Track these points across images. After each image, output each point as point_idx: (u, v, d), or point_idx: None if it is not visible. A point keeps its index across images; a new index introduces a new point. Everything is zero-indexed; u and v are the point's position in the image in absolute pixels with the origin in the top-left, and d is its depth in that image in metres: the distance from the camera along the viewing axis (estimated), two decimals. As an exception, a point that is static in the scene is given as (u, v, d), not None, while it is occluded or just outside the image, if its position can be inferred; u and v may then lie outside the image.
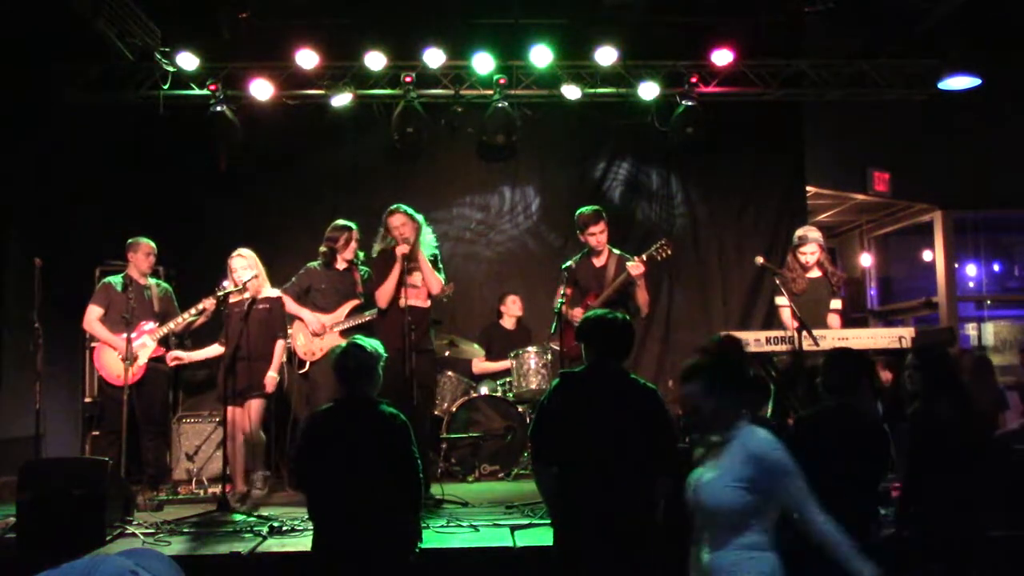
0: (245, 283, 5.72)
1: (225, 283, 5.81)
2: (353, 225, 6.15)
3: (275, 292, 6.01)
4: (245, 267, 5.80)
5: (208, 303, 5.88)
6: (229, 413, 5.49)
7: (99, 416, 6.33)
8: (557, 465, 3.31)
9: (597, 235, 5.80)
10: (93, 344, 6.36)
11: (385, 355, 3.69)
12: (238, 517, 4.93)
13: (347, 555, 3.41)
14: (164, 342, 6.13)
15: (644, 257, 5.66)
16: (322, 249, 6.20)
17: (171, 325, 6.02)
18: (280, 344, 5.92)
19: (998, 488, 3.52)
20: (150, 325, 6.00)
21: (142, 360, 5.89)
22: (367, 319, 6.05)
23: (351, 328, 5.99)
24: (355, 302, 6.14)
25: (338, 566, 3.42)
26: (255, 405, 5.79)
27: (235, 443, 5.70)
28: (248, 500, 5.64)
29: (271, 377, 5.82)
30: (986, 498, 3.50)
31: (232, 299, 5.74)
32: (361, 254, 6.20)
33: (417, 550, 3.61)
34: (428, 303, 5.85)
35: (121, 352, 5.71)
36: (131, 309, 5.64)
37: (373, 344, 3.65)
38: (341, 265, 6.17)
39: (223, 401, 5.50)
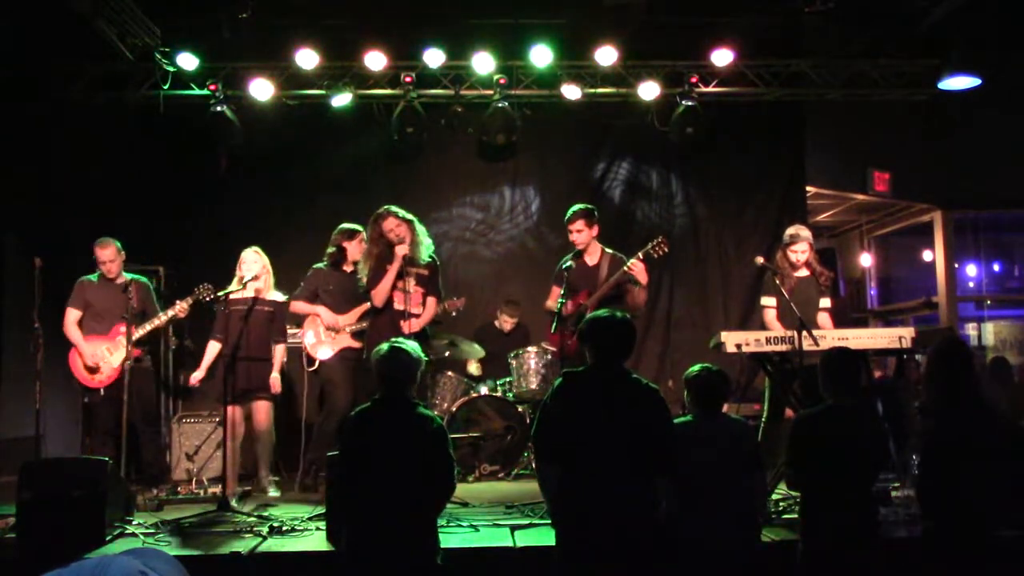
0: (246, 281, 5.71)
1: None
2: (360, 228, 6.18)
3: (280, 296, 6.00)
4: (253, 265, 5.81)
5: (181, 308, 5.81)
6: (229, 412, 5.48)
7: (86, 419, 6.34)
8: (559, 464, 3.30)
9: (574, 233, 5.87)
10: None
11: (426, 359, 3.68)
12: (238, 517, 4.92)
13: (381, 555, 3.39)
14: (142, 342, 5.98)
15: (641, 255, 5.67)
16: (330, 250, 6.22)
17: (146, 326, 5.87)
18: (280, 348, 5.93)
19: (1009, 487, 3.48)
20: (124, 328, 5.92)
21: (115, 363, 5.79)
22: None
23: (361, 331, 6.05)
24: (367, 305, 6.13)
25: (371, 565, 3.40)
26: (263, 407, 5.81)
27: (235, 443, 5.69)
28: (258, 497, 5.70)
29: (275, 378, 5.83)
30: (999, 497, 3.47)
31: (233, 297, 5.73)
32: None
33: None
34: (421, 309, 5.77)
35: (86, 359, 5.80)
36: (109, 309, 5.68)
37: (415, 347, 3.68)
38: (349, 268, 6.22)
39: (223, 401, 5.49)
